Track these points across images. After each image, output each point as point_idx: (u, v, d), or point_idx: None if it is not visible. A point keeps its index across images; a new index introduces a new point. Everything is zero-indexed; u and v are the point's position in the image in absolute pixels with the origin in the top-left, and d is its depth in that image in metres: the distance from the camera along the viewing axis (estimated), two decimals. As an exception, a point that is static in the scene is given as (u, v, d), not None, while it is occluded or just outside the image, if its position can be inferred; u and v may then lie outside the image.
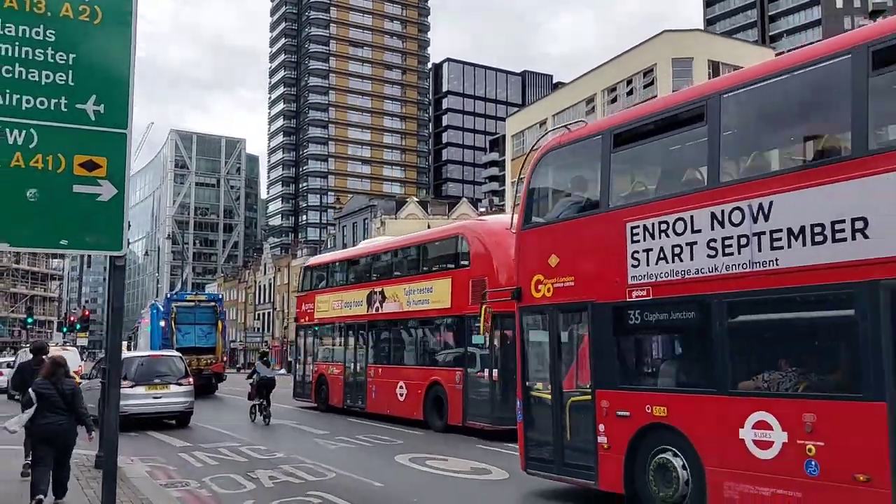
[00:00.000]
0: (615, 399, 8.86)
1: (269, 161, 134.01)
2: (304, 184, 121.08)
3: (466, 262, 17.44)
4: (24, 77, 7.10)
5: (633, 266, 8.67)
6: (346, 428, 18.25)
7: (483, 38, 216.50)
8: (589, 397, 9.22)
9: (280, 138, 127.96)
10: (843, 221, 6.75)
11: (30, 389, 8.91)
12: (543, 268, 9.96)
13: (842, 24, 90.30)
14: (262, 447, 14.88)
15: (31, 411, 8.66)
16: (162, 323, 32.09)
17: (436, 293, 18.42)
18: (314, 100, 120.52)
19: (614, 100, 42.33)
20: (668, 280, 8.29)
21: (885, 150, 6.63)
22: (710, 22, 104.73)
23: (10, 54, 7.00)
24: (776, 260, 7.26)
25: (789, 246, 7.17)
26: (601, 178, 9.50)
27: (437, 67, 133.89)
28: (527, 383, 10.42)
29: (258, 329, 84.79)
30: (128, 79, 7.54)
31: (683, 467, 8.07)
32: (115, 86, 7.50)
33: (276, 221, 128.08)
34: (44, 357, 11.18)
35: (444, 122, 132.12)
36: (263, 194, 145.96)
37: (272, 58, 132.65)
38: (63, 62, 7.18)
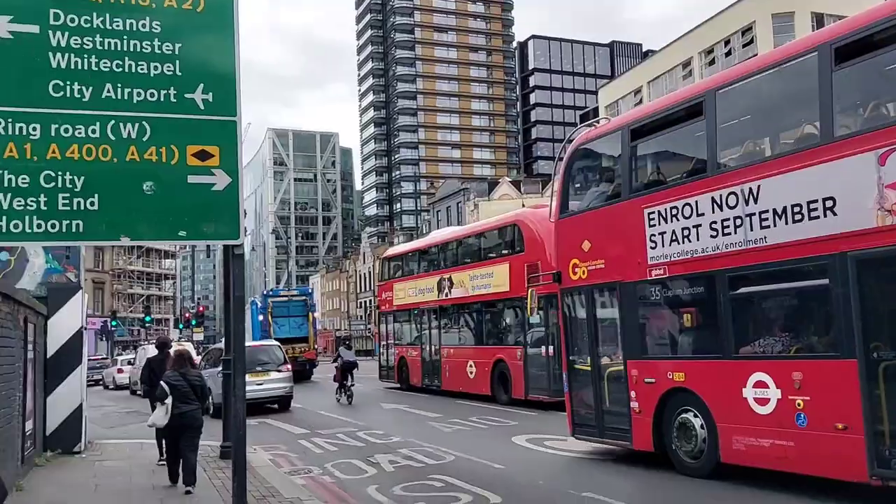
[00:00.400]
0: (642, 368, 10.09)
1: (361, 152, 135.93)
2: (397, 172, 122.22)
3: (521, 249, 18.97)
4: (133, 70, 7.11)
5: (652, 248, 9.83)
6: (456, 410, 18.18)
7: (566, 11, 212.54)
8: (622, 367, 10.42)
9: (371, 129, 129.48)
10: (816, 201, 7.75)
11: (161, 382, 9.42)
12: (578, 252, 11.27)
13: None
14: (379, 431, 14.91)
15: (168, 403, 9.15)
16: (260, 317, 34.81)
17: (496, 278, 20.15)
18: (402, 88, 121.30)
19: (712, 62, 40.59)
20: (681, 259, 9.45)
21: (847, 137, 7.55)
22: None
23: (119, 48, 7.02)
24: (765, 238, 8.31)
25: (775, 225, 8.21)
26: (622, 170, 10.74)
27: (523, 46, 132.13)
28: (570, 357, 11.73)
29: (361, 317, 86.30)
30: (233, 65, 7.48)
31: (701, 426, 9.21)
32: (222, 73, 7.44)
33: (372, 211, 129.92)
34: (168, 351, 11.67)
35: (532, 101, 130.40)
36: (358, 185, 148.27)
37: (359, 50, 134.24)
38: (169, 52, 7.16)
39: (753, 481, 8.75)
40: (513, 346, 19.44)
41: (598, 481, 9.52)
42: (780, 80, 8.73)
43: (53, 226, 6.80)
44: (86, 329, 13.89)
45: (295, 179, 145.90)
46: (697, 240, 9.17)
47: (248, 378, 19.73)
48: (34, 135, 6.84)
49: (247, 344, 24.36)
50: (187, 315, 50.57)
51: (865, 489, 7.46)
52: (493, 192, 65.16)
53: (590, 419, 11.11)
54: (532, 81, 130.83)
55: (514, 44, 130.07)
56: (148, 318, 64.30)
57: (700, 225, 9.12)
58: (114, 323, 60.89)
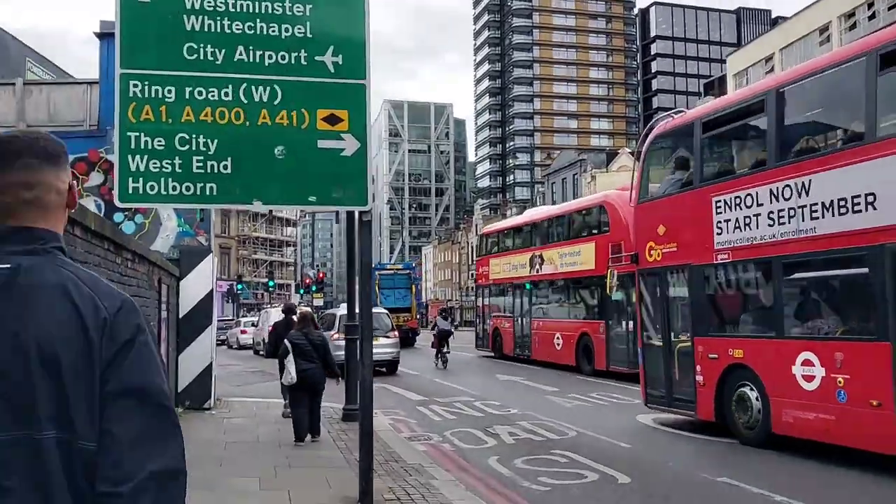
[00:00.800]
0: (707, 344, 10.95)
1: (476, 123, 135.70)
2: (511, 143, 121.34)
3: (607, 229, 20.12)
4: (265, 32, 7.04)
5: (718, 234, 10.66)
6: (576, 385, 17.81)
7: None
8: (689, 344, 11.32)
9: (486, 100, 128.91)
10: (859, 196, 8.45)
11: (285, 340, 9.96)
12: (654, 236, 12.15)
13: None
14: (496, 402, 14.77)
15: (291, 359, 9.64)
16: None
17: (582, 256, 21.51)
18: (518, 58, 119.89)
19: (853, 26, 37.74)
20: (742, 245, 10.27)
21: (888, 138, 8.22)
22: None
23: (250, 10, 6.97)
24: (814, 228, 9.08)
25: (823, 217, 8.94)
26: (693, 160, 11.58)
27: (644, 12, 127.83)
28: (645, 333, 12.73)
29: (471, 288, 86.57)
30: (363, 27, 7.30)
31: (756, 399, 10.01)
32: (351, 35, 7.29)
33: (485, 183, 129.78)
34: (293, 316, 11.98)
35: (654, 69, 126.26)
36: (471, 157, 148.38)
37: (476, 19, 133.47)
38: (300, 13, 7.04)
39: (803, 452, 9.35)
40: (596, 321, 20.84)
41: (733, 465, 9.01)
42: (831, 82, 9.57)
43: (188, 188, 6.84)
44: (215, 291, 14.35)
45: (409, 150, 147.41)
46: (757, 227, 9.97)
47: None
48: (169, 97, 6.87)
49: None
50: (307, 281, 52.13)
51: None
52: (612, 164, 63.50)
53: (661, 391, 11.99)
54: (653, 49, 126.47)
55: (635, 10, 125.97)
56: (271, 283, 66.73)
57: (759, 214, 9.91)
58: (239, 287, 63.52)
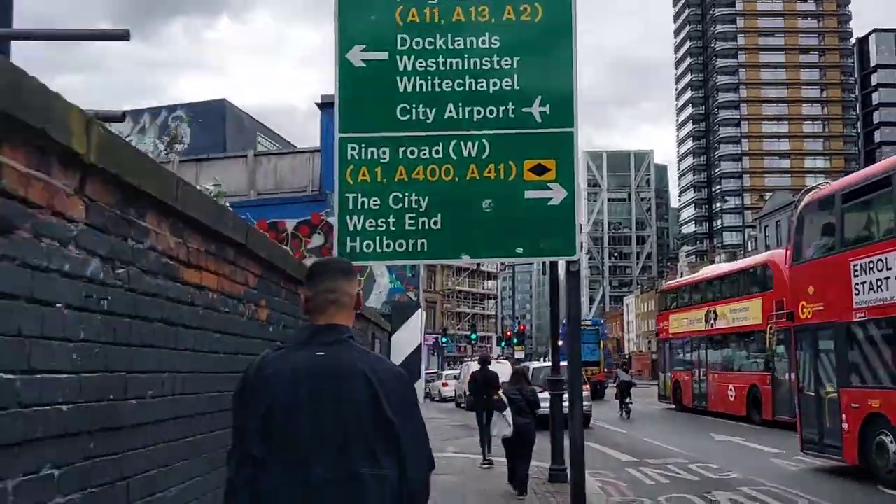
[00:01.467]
0: (850, 395, 12.03)
1: (678, 168, 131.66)
2: (718, 187, 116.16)
3: (771, 287, 21.65)
4: (473, 88, 7.14)
5: (856, 295, 11.83)
6: (795, 445, 16.19)
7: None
8: (836, 394, 12.41)
9: (689, 144, 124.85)
10: None
11: (500, 393, 10.68)
12: (805, 296, 13.49)
13: None
14: (713, 465, 13.72)
15: (508, 414, 10.03)
16: (560, 342, 37.76)
17: (750, 311, 22.99)
18: (723, 98, 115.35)
19: None
20: (876, 305, 11.43)
21: None
22: None
23: (460, 67, 7.09)
24: None
25: None
26: (836, 227, 12.92)
27: (862, 42, 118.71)
28: (800, 385, 13.97)
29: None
30: (571, 75, 7.21)
31: (891, 443, 11.04)
32: (559, 84, 7.22)
33: (690, 229, 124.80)
34: (488, 367, 13.52)
35: (875, 101, 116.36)
36: (674, 203, 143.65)
37: (677, 64, 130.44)
38: (508, 66, 7.08)
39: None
40: (763, 373, 22.17)
41: None
42: None
43: (401, 245, 7.01)
44: (423, 345, 14.66)
45: (609, 199, 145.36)
46: (887, 290, 11.05)
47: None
48: (384, 158, 7.13)
49: (544, 364, 26.42)
50: (508, 333, 52.40)
51: None
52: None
53: (814, 437, 13.08)
54: (874, 80, 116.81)
55: (853, 40, 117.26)
56: (474, 336, 67.80)
57: (889, 277, 11.03)
58: (444, 339, 64.99)
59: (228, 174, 17.79)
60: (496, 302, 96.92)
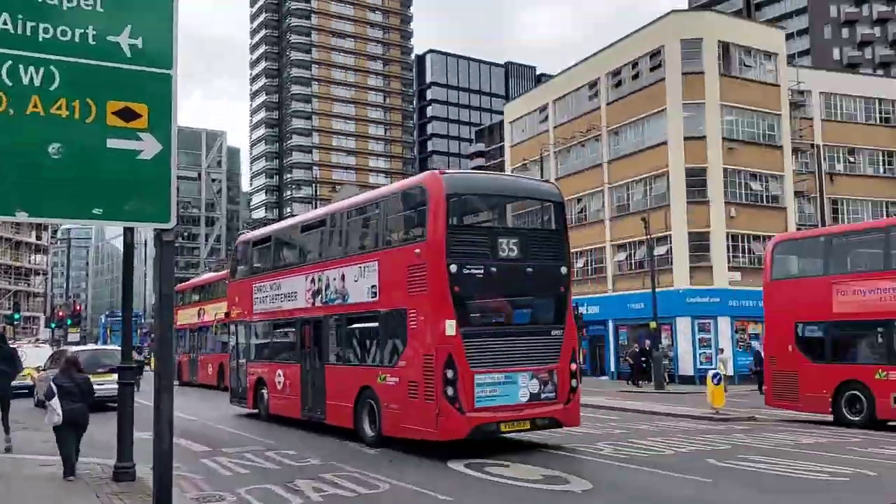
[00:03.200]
0: (250, 366, 19.90)
1: (251, 153, 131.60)
2: (289, 175, 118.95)
3: (223, 294, 27.21)
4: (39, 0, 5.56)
5: (255, 304, 19.39)
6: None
7: (464, 29, 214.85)
8: (245, 365, 20.22)
9: (262, 130, 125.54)
10: None
11: (50, 383, 10.42)
12: (234, 302, 20.82)
13: (828, 12, 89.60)
14: (292, 451, 13.36)
15: (56, 402, 10.02)
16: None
17: (220, 309, 26.90)
18: (297, 90, 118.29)
19: (619, 83, 40.95)
20: (267, 311, 18.95)
21: None
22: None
23: (24, -32, 5.45)
24: None
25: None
26: (248, 260, 20.66)
27: (420, 59, 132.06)
28: (231, 359, 21.74)
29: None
30: (171, 8, 6.02)
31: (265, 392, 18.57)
32: (156, 16, 5.98)
33: (260, 214, 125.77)
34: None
35: (429, 113, 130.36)
36: (246, 187, 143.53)
37: (253, 49, 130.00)
38: (91, -23, 5.65)
39: None
40: (226, 354, 25.36)
41: None
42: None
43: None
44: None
45: (178, 177, 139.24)
46: (272, 303, 18.75)
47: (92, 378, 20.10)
48: None
49: (88, 347, 29.50)
50: (60, 314, 46.64)
51: None
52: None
53: (236, 393, 20.78)
54: (429, 94, 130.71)
55: (413, 56, 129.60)
56: (17, 316, 59.06)
57: (270, 296, 18.84)
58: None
59: None
60: (46, 279, 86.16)
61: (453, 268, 12.62)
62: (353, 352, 15.24)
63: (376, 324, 14.24)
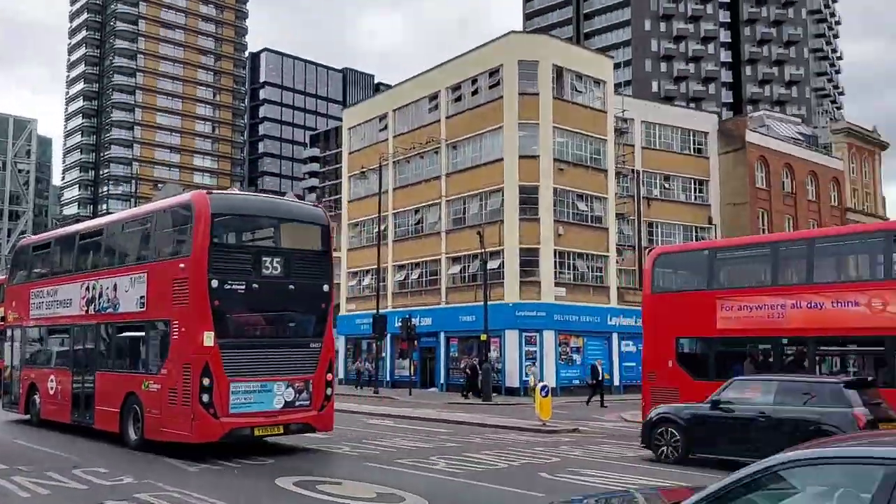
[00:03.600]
0: (25, 372, 19.60)
1: (64, 145, 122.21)
2: (106, 170, 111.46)
3: (2, 299, 26.19)
4: None
5: (32, 309, 19.44)
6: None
7: (304, 30, 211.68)
8: (19, 371, 19.93)
9: (79, 120, 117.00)
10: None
11: None
12: (11, 307, 20.40)
13: (649, 46, 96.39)
14: (102, 469, 12.12)
15: None
16: None
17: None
18: (119, 81, 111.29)
19: (459, 98, 41.58)
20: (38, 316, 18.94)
21: None
22: (528, 17, 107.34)
23: None
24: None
25: None
26: (28, 265, 20.52)
27: (255, 57, 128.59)
28: (5, 364, 20.71)
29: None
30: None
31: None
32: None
33: (73, 210, 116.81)
34: None
35: (262, 114, 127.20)
36: (57, 180, 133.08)
37: (72, 34, 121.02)
38: None
39: None
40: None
41: None
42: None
43: None
44: None
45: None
46: (48, 308, 18.69)
47: None
48: None
49: None
50: None
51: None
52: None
53: (10, 399, 20.18)
54: (262, 94, 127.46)
55: (247, 53, 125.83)
56: None
57: (50, 301, 18.62)
58: None
59: None
60: None
61: (214, 283, 13.44)
62: (121, 359, 15.89)
63: (143, 333, 14.97)
